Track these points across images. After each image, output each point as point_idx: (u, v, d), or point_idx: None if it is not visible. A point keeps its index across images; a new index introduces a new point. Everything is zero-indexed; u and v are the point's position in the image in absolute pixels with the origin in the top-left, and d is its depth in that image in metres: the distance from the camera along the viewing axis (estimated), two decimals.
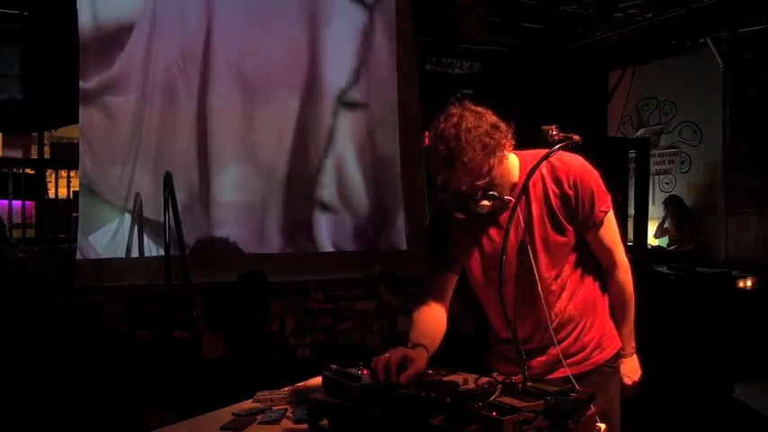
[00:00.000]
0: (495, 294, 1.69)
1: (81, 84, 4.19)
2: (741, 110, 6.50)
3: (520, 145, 1.80)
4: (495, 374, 1.54)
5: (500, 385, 1.42)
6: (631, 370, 1.93)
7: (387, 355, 1.58)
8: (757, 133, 6.35)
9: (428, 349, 1.70)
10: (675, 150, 7.13)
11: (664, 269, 4.70)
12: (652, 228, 6.63)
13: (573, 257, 1.79)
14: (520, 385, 1.42)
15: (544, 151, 1.68)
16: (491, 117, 1.67)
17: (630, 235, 4.64)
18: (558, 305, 1.78)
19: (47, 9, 4.69)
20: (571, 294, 1.80)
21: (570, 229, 1.76)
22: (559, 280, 1.78)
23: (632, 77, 5.25)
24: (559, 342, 1.77)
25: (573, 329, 1.81)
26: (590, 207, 1.75)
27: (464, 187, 1.65)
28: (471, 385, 1.52)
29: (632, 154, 4.88)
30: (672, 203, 6.76)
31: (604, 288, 1.89)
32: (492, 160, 1.63)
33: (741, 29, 6.00)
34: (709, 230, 6.64)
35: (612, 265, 1.85)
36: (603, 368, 1.83)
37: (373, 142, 4.92)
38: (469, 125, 1.61)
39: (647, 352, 1.99)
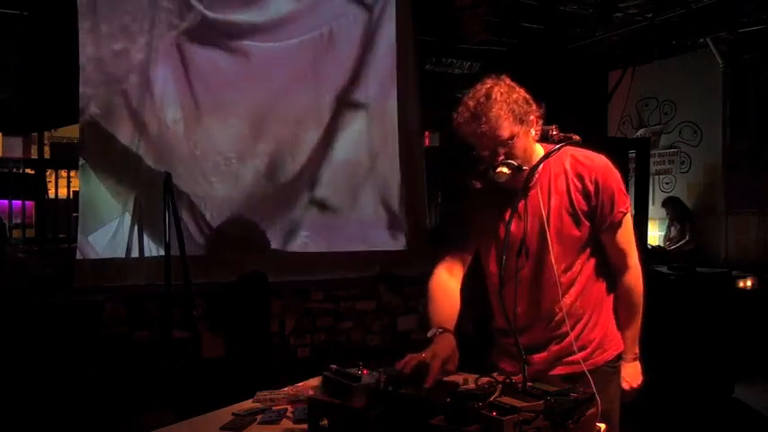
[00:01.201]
0: (504, 280, 1.71)
1: (81, 83, 4.19)
2: (741, 110, 6.51)
3: None
4: (495, 374, 1.54)
5: (500, 385, 1.42)
6: (632, 375, 1.90)
7: (415, 362, 1.56)
8: (757, 133, 6.35)
9: (450, 329, 1.72)
10: (675, 150, 7.13)
11: (664, 269, 4.69)
12: (652, 228, 6.63)
13: (585, 254, 1.79)
14: (520, 385, 1.42)
15: (568, 148, 1.72)
16: (525, 93, 1.71)
17: None
18: (564, 299, 1.77)
19: (46, 9, 4.69)
20: (579, 290, 1.79)
21: (587, 224, 1.76)
22: (569, 274, 1.78)
23: (632, 77, 5.25)
24: (561, 337, 1.77)
25: (575, 325, 1.79)
26: (610, 207, 1.76)
27: (485, 152, 1.67)
28: (471, 385, 1.52)
29: (632, 154, 4.88)
30: (670, 204, 6.76)
31: (612, 289, 1.87)
32: (517, 128, 1.65)
33: (741, 29, 6.00)
34: (709, 230, 6.64)
35: (624, 266, 1.84)
36: (604, 368, 1.82)
37: (373, 142, 4.92)
38: (502, 90, 1.66)
39: (648, 352, 1.98)
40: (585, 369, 1.64)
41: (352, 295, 4.60)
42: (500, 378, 1.47)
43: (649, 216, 4.91)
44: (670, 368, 4.22)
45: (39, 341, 3.67)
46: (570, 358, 1.76)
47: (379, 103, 4.94)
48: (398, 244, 4.89)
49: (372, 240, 4.85)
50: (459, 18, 5.62)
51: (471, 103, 1.66)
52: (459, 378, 1.61)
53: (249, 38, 4.63)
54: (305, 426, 1.61)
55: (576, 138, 1.69)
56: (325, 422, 1.54)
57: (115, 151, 4.29)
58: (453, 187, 1.97)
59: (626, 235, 1.81)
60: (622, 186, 1.78)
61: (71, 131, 5.91)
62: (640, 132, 7.39)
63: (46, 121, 5.96)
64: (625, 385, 1.89)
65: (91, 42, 4.23)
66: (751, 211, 6.35)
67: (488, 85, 1.67)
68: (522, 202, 1.74)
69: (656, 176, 7.19)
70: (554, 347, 1.79)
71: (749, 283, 5.51)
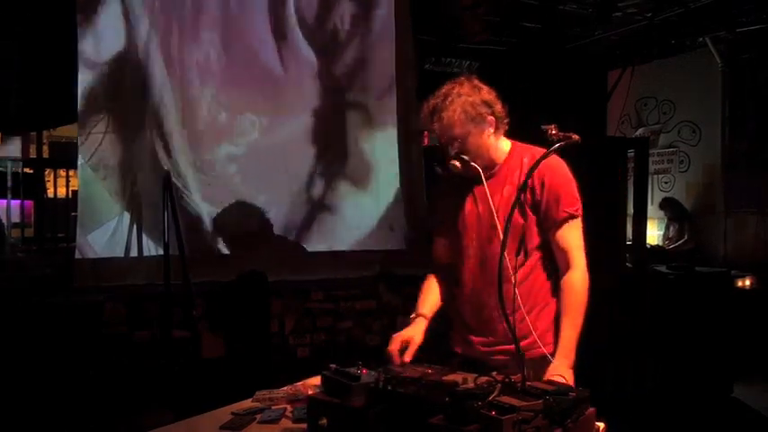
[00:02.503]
0: (459, 264, 1.96)
1: (80, 83, 4.19)
2: (740, 109, 6.51)
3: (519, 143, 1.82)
4: (494, 374, 1.55)
5: (499, 385, 1.42)
6: (560, 371, 1.76)
7: (390, 347, 1.84)
8: (756, 133, 6.36)
9: (427, 316, 1.97)
10: (674, 150, 7.13)
11: (663, 269, 4.70)
12: (651, 227, 6.63)
13: (533, 245, 1.88)
14: (519, 385, 1.42)
15: (536, 147, 1.86)
16: (488, 95, 1.86)
17: (629, 234, 4.64)
18: (506, 285, 1.78)
19: (46, 9, 4.69)
20: (522, 279, 1.86)
21: (533, 217, 1.87)
22: (523, 268, 1.87)
23: (631, 77, 5.25)
24: (501, 323, 1.80)
25: (516, 312, 1.77)
26: (555, 206, 1.84)
27: (443, 141, 1.86)
28: (471, 385, 1.52)
29: (631, 153, 4.88)
30: (668, 206, 6.77)
31: (557, 293, 1.92)
32: (469, 127, 1.82)
33: (740, 28, 6.00)
34: (708, 230, 6.65)
35: (566, 266, 1.88)
36: (543, 357, 1.84)
37: (373, 142, 4.92)
38: (463, 91, 1.83)
39: (648, 352, 1.98)
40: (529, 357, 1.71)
41: (352, 295, 4.60)
42: (499, 377, 1.47)
43: (648, 216, 4.90)
44: (670, 368, 4.23)
45: (39, 341, 3.67)
46: (508, 347, 1.79)
47: (379, 102, 4.94)
48: (398, 244, 4.88)
49: (372, 240, 4.85)
50: (459, 18, 5.62)
51: (433, 101, 1.84)
52: (458, 377, 1.61)
53: (249, 36, 4.63)
54: (304, 425, 1.61)
55: (576, 137, 1.70)
56: (324, 421, 1.54)
57: (115, 151, 4.28)
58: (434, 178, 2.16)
59: (570, 236, 1.87)
60: (572, 189, 1.87)
61: (70, 131, 5.90)
62: (639, 132, 7.40)
63: (45, 121, 5.96)
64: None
65: (90, 42, 4.23)
66: (750, 211, 6.36)
67: (450, 86, 1.84)
68: (479, 189, 1.90)
69: (655, 176, 7.20)
70: (492, 334, 1.89)
71: (748, 282, 5.52)
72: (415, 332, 1.91)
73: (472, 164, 1.84)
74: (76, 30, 4.19)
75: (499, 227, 1.82)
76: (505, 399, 1.32)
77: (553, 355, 1.83)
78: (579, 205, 1.88)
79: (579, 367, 1.91)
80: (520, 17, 5.95)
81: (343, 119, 4.85)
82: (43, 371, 3.60)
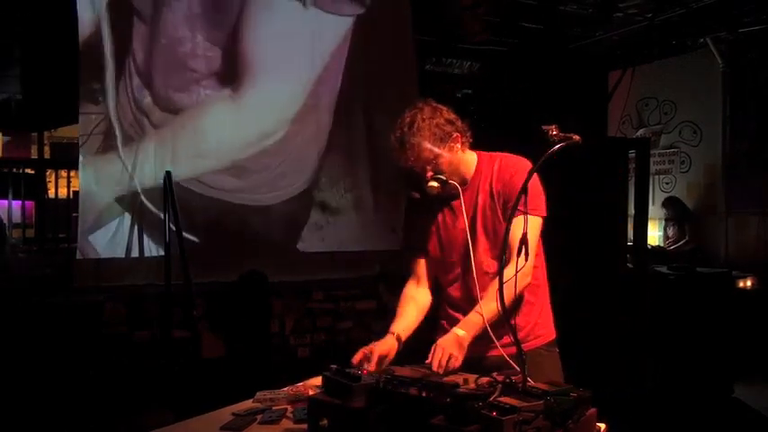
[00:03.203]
0: (447, 273, 2.04)
1: (81, 83, 4.19)
2: (741, 110, 6.50)
3: (520, 143, 1.82)
4: (494, 374, 1.54)
5: (500, 385, 1.42)
6: (448, 343, 1.77)
7: (359, 354, 1.87)
8: (757, 133, 6.35)
9: (400, 335, 1.97)
10: (675, 150, 7.12)
11: (664, 269, 4.70)
12: (652, 228, 6.62)
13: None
14: (520, 385, 1.42)
15: (502, 154, 1.96)
16: (448, 114, 1.93)
17: (630, 235, 4.64)
18: (485, 287, 1.88)
19: (47, 9, 4.69)
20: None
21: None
22: (498, 264, 1.84)
23: (632, 77, 5.24)
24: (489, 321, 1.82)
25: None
26: (514, 203, 1.81)
27: (417, 167, 1.90)
28: (471, 385, 1.52)
29: (632, 154, 4.87)
30: (670, 205, 6.76)
31: (546, 284, 2.03)
32: (439, 149, 1.87)
33: (741, 29, 6.00)
34: (709, 230, 6.64)
35: (510, 259, 1.81)
36: (536, 350, 1.93)
37: (372, 142, 4.92)
38: (425, 116, 1.88)
39: (648, 352, 1.98)
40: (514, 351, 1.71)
41: (352, 295, 4.60)
42: (500, 378, 1.47)
43: (649, 216, 4.90)
44: (670, 368, 4.23)
45: (39, 341, 3.67)
46: (503, 341, 1.80)
47: (379, 103, 4.94)
48: (398, 244, 4.87)
49: (372, 240, 4.85)
50: (459, 18, 5.62)
51: (398, 133, 1.88)
52: (459, 378, 1.61)
53: (249, 36, 4.63)
54: (305, 426, 1.61)
55: (576, 138, 1.69)
56: (325, 422, 1.54)
57: (115, 151, 4.28)
58: (408, 197, 2.16)
59: (518, 232, 1.79)
60: (536, 190, 1.90)
61: (71, 131, 5.91)
62: (640, 132, 7.38)
63: (46, 121, 5.96)
64: (437, 355, 1.75)
65: (91, 42, 4.23)
66: (751, 211, 6.35)
67: (412, 113, 1.89)
68: (456, 202, 1.97)
69: (656, 176, 7.19)
70: (484, 336, 1.86)
71: (749, 282, 5.51)
72: (382, 346, 1.90)
73: (450, 182, 1.91)
74: (77, 29, 4.19)
75: (479, 234, 1.91)
76: (506, 399, 1.32)
77: (544, 346, 1.95)
78: (537, 205, 1.89)
79: (579, 367, 1.91)
80: (520, 17, 5.95)
81: (342, 119, 4.85)
82: (43, 371, 3.61)
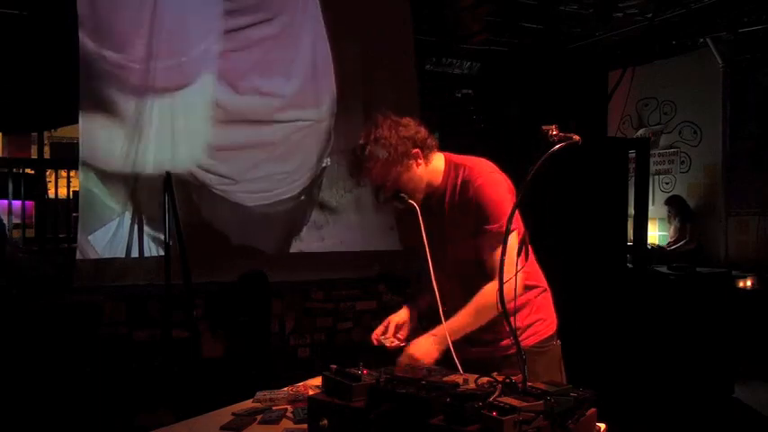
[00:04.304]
0: (433, 281, 1.94)
1: (81, 83, 4.18)
2: (741, 110, 6.50)
3: (519, 143, 1.82)
4: (494, 374, 1.54)
5: (500, 385, 1.42)
6: (422, 348, 1.83)
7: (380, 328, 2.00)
8: (757, 133, 6.35)
9: (413, 309, 2.04)
10: (675, 150, 7.13)
11: (664, 269, 4.70)
12: (652, 228, 6.62)
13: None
14: (520, 385, 1.42)
15: (468, 157, 1.93)
16: (406, 130, 1.86)
17: (630, 235, 4.64)
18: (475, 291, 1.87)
19: (47, 9, 4.69)
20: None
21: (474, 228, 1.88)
22: (480, 268, 1.87)
23: (632, 77, 5.25)
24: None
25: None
26: (483, 218, 1.84)
27: (378, 187, 1.90)
28: (471, 385, 1.52)
29: (632, 154, 4.88)
30: (675, 203, 6.76)
31: (536, 285, 1.98)
32: (396, 168, 1.84)
33: (741, 29, 5.99)
34: (710, 230, 6.64)
35: (485, 275, 1.84)
36: (529, 349, 1.87)
37: None
38: (378, 135, 1.83)
39: (649, 352, 1.98)
40: (506, 354, 1.82)
41: (352, 295, 4.60)
42: (500, 378, 1.47)
43: (649, 216, 4.90)
44: (670, 368, 4.23)
45: (38, 341, 3.67)
46: (503, 343, 1.86)
47: (379, 103, 4.94)
48: (398, 244, 4.88)
49: (372, 240, 4.85)
50: (459, 18, 5.62)
51: (354, 155, 1.87)
52: (458, 378, 1.61)
53: (249, 37, 4.63)
54: (305, 426, 1.61)
55: (576, 138, 1.69)
56: (325, 422, 1.54)
57: (115, 151, 4.28)
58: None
59: (487, 250, 1.84)
60: (501, 203, 1.83)
61: (71, 131, 5.91)
62: (640, 132, 7.39)
63: (46, 121, 5.96)
64: (410, 351, 1.85)
65: (91, 42, 4.23)
66: (751, 211, 6.35)
67: (367, 131, 1.86)
68: (436, 209, 1.94)
69: (656, 176, 7.19)
70: (480, 339, 1.90)
71: (749, 282, 5.51)
72: (396, 316, 2.00)
73: (410, 201, 1.89)
74: (77, 29, 4.18)
75: (454, 239, 1.90)
76: (506, 399, 1.32)
77: (536, 345, 1.92)
78: (501, 223, 1.79)
79: (579, 367, 1.92)
80: (520, 17, 5.95)
81: (342, 119, 4.85)
82: (43, 371, 3.60)
